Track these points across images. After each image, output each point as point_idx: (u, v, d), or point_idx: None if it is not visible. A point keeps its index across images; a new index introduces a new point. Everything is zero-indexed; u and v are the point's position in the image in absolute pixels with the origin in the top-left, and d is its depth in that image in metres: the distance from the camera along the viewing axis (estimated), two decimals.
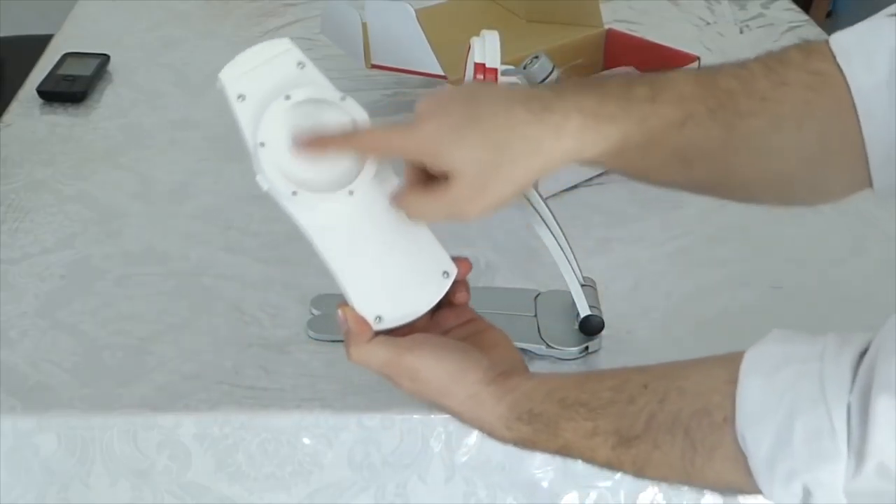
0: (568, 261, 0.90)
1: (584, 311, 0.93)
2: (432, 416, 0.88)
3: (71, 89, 1.38)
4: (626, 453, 0.69)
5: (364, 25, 1.24)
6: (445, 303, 0.77)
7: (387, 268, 0.75)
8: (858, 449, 0.58)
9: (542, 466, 0.89)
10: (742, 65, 0.74)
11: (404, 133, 0.72)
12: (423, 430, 0.88)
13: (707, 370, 0.67)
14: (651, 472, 0.69)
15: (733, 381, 0.64)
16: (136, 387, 0.90)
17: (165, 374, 0.91)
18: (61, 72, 1.42)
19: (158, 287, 1.03)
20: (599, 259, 1.06)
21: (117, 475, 0.87)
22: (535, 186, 0.90)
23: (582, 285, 0.92)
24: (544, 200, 0.90)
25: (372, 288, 0.74)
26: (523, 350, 0.92)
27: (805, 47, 0.74)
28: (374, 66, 1.24)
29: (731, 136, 0.73)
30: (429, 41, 1.19)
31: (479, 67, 0.79)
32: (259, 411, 0.88)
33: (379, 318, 0.74)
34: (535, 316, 0.96)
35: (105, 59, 1.46)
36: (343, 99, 0.72)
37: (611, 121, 0.71)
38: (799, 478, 0.60)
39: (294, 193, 0.71)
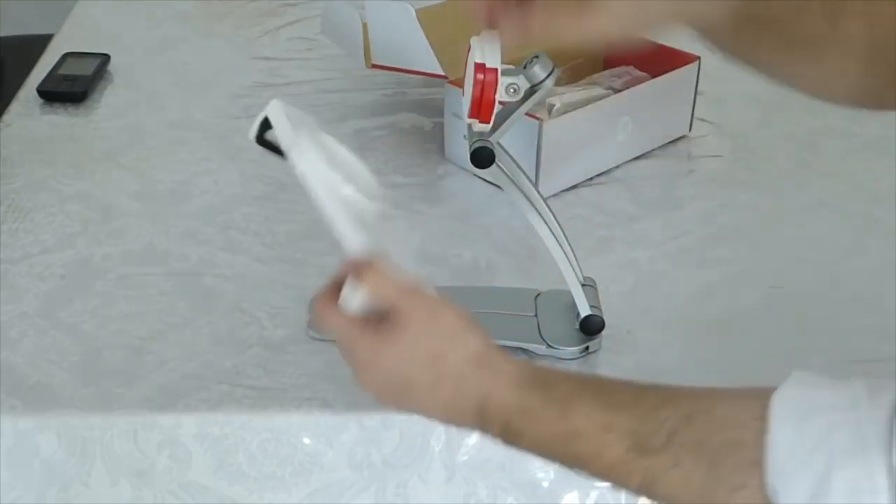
0: (568, 261, 0.90)
1: (584, 310, 0.93)
2: None
3: (71, 89, 1.38)
4: (639, 461, 0.66)
5: (364, 25, 1.24)
6: None
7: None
8: None
9: (542, 466, 0.88)
10: None
11: None
12: (423, 430, 0.88)
13: (736, 400, 0.65)
14: (662, 489, 0.66)
15: (762, 419, 0.62)
16: (136, 387, 0.90)
17: (165, 374, 0.91)
18: (61, 72, 1.42)
19: (158, 287, 1.03)
20: (599, 259, 1.06)
21: (117, 475, 0.87)
22: (536, 186, 0.90)
23: (582, 285, 0.92)
24: (544, 200, 0.90)
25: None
26: (523, 350, 0.92)
27: None
28: (374, 66, 1.24)
29: (831, 34, 0.72)
30: (429, 41, 1.19)
31: (480, 67, 0.79)
32: (259, 411, 0.88)
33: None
34: (536, 316, 0.96)
35: (105, 59, 1.46)
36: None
37: None
38: None
39: None
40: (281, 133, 0.71)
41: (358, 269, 0.71)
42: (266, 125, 0.71)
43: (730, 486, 0.63)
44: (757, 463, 0.61)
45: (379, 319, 0.71)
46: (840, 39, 0.73)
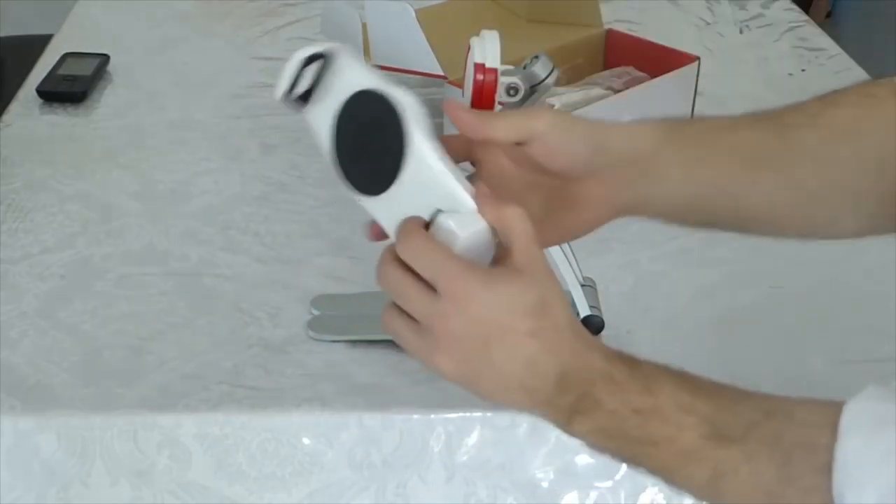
0: (568, 261, 0.90)
1: (584, 311, 0.93)
2: (432, 415, 0.88)
3: (71, 89, 1.38)
4: (714, 451, 0.63)
5: (364, 25, 1.24)
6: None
7: None
8: None
9: (542, 466, 0.89)
10: (795, 102, 0.77)
11: None
12: (423, 430, 0.88)
13: (812, 407, 0.64)
14: (732, 485, 0.64)
15: (837, 426, 0.61)
16: (136, 387, 0.90)
17: (165, 374, 0.91)
18: (61, 72, 1.42)
19: (158, 287, 1.03)
20: (599, 259, 1.06)
21: (117, 475, 0.87)
22: None
23: (582, 285, 0.92)
24: None
25: None
26: None
27: (867, 81, 0.79)
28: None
29: (785, 145, 0.75)
30: (429, 41, 1.19)
31: (479, 67, 0.79)
32: (259, 411, 0.88)
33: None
34: None
35: (105, 59, 1.46)
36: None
37: (657, 121, 0.75)
38: None
39: None
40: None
41: (495, 208, 0.67)
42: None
43: (803, 487, 0.62)
44: (829, 468, 0.60)
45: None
46: (791, 149, 0.75)
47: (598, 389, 0.66)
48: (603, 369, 0.66)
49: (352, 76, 0.68)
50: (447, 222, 0.66)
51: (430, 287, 0.66)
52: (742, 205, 0.77)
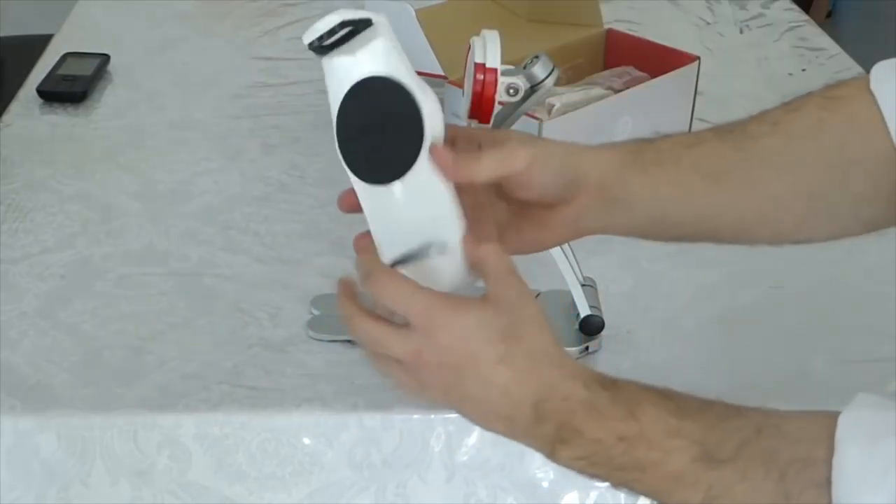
0: (568, 261, 0.90)
1: (584, 311, 0.93)
2: (432, 415, 0.88)
3: (71, 89, 1.38)
4: (706, 473, 0.62)
5: None
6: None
7: None
8: None
9: (542, 466, 0.88)
10: (760, 111, 0.78)
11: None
12: (423, 430, 0.88)
13: (805, 419, 0.64)
14: None
15: (832, 438, 0.60)
16: (136, 387, 0.90)
17: (165, 374, 0.91)
18: (61, 72, 1.42)
19: (158, 287, 1.03)
20: (599, 259, 1.06)
21: (117, 475, 0.87)
22: None
23: (582, 285, 0.92)
24: None
25: None
26: None
27: (830, 84, 0.78)
28: None
29: (746, 155, 0.76)
30: (429, 41, 1.18)
31: (479, 67, 0.79)
32: (259, 411, 0.88)
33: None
34: None
35: (105, 59, 1.46)
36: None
37: (619, 144, 0.77)
38: None
39: None
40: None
41: (472, 246, 0.69)
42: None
43: (802, 503, 0.61)
44: (827, 482, 0.60)
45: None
46: (752, 159, 0.76)
47: (579, 418, 0.65)
48: (583, 397, 0.65)
49: (386, 59, 0.66)
50: (429, 266, 0.68)
51: (400, 326, 0.67)
52: (708, 218, 0.78)
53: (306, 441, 0.88)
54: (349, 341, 0.95)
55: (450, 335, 0.65)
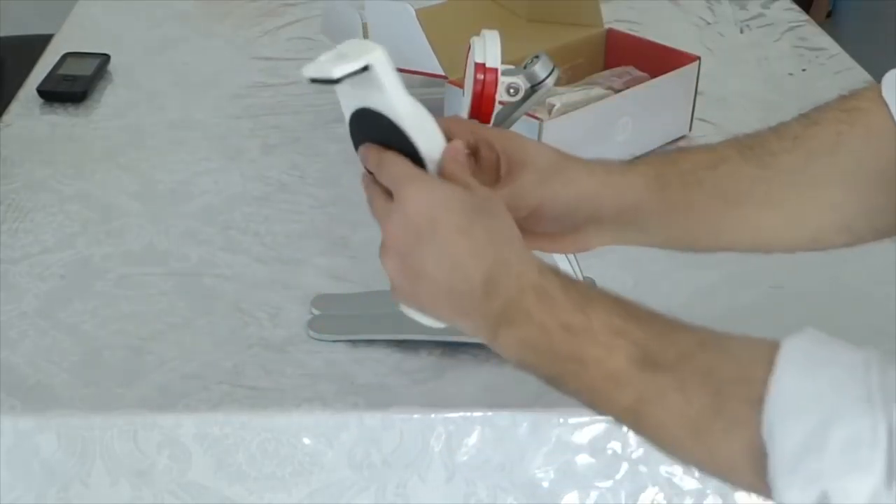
0: (568, 261, 0.90)
1: None
2: (432, 415, 0.88)
3: (71, 89, 1.38)
4: (641, 376, 0.63)
5: (364, 25, 1.24)
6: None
7: None
8: (893, 467, 0.56)
9: (542, 466, 0.89)
10: (779, 123, 0.80)
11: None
12: (423, 430, 0.88)
13: (750, 341, 0.64)
14: (656, 410, 0.64)
15: (773, 362, 0.61)
16: (136, 387, 0.90)
17: (165, 374, 0.91)
18: (61, 72, 1.42)
19: (158, 287, 1.03)
20: (599, 259, 1.05)
21: (117, 475, 0.87)
22: None
23: None
24: None
25: None
26: None
27: (845, 94, 0.80)
28: None
29: (767, 174, 0.77)
30: (429, 41, 1.19)
31: (480, 67, 0.79)
32: (259, 411, 0.88)
33: None
34: None
35: (105, 59, 1.46)
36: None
37: (644, 163, 0.79)
38: (824, 482, 0.58)
39: None
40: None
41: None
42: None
43: (731, 420, 0.62)
44: (760, 400, 0.60)
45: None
46: (773, 178, 0.78)
47: (528, 299, 0.65)
48: (535, 280, 0.66)
49: (380, 94, 0.71)
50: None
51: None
52: (725, 234, 0.80)
53: (306, 441, 0.88)
54: (349, 341, 0.95)
55: (417, 202, 0.67)
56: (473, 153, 0.77)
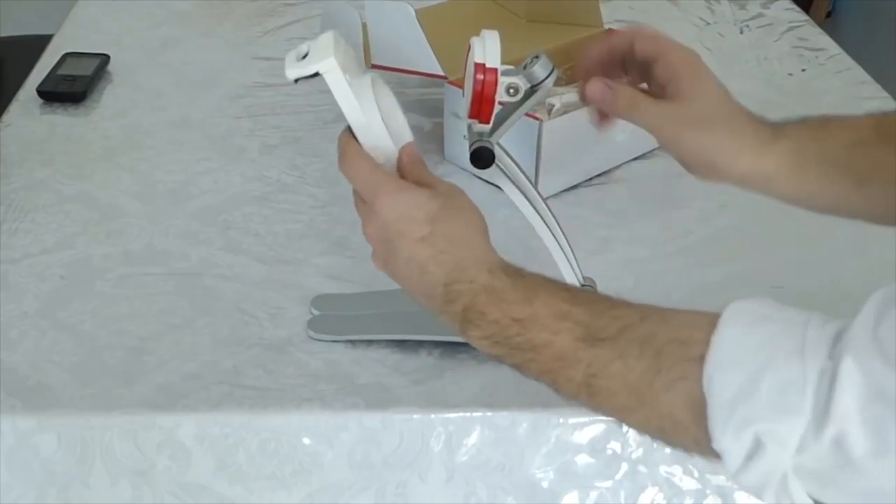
0: (568, 261, 0.90)
1: None
2: (432, 415, 0.88)
3: (71, 89, 1.38)
4: (587, 350, 0.68)
5: (364, 25, 1.24)
6: None
7: None
8: (822, 414, 0.58)
9: (542, 466, 0.89)
10: None
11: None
12: (423, 430, 0.88)
13: (692, 312, 0.68)
14: (602, 381, 0.68)
15: (714, 326, 0.64)
16: (136, 387, 0.90)
17: (165, 374, 0.91)
18: (61, 72, 1.42)
19: (158, 287, 1.03)
20: (599, 259, 1.06)
21: (117, 475, 0.87)
22: (536, 186, 0.90)
23: (582, 285, 0.92)
24: (544, 201, 0.90)
25: None
26: None
27: None
28: (374, 66, 1.24)
29: None
30: (429, 41, 1.18)
31: (479, 67, 0.79)
32: (259, 411, 0.88)
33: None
34: None
35: (105, 59, 1.46)
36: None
37: (790, 137, 0.82)
38: (754, 426, 0.60)
39: None
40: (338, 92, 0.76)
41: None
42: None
43: (671, 377, 0.65)
44: (701, 358, 0.63)
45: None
46: None
47: (481, 301, 0.72)
48: (486, 282, 0.72)
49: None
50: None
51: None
52: (847, 208, 0.83)
53: (306, 441, 0.88)
54: (349, 341, 0.95)
55: (386, 212, 0.74)
56: (649, 65, 0.84)
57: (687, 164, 0.86)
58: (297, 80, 0.75)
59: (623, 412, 0.69)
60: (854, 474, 0.58)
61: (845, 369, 0.58)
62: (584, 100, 0.86)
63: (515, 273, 0.73)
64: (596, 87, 0.84)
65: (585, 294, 0.72)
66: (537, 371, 0.71)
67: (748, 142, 0.82)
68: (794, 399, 0.59)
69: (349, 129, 0.78)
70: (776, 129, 0.83)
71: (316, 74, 0.75)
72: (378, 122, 0.77)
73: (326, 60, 0.74)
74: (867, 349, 0.58)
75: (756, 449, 0.60)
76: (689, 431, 0.64)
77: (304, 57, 0.76)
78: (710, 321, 0.65)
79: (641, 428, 0.70)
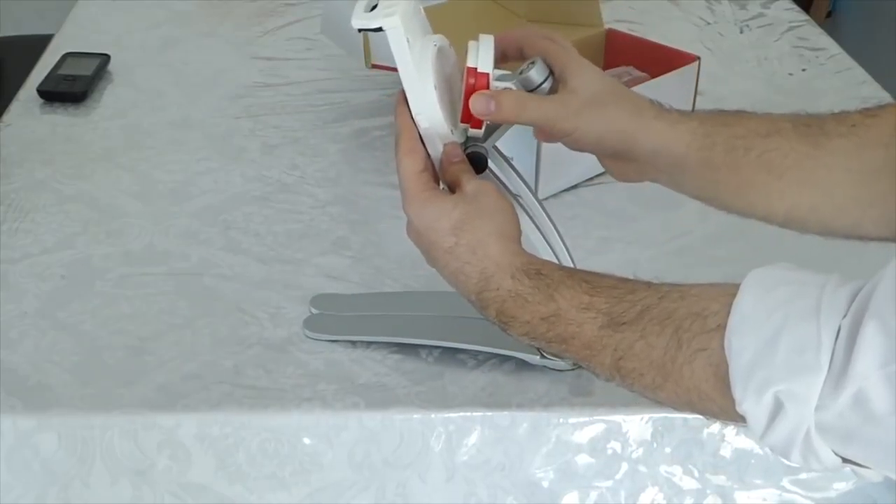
0: (568, 261, 0.90)
1: None
2: (432, 415, 0.88)
3: (71, 89, 1.38)
4: (612, 336, 0.70)
5: None
6: None
7: None
8: (840, 371, 0.58)
9: (542, 466, 0.89)
10: (841, 110, 0.81)
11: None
12: (423, 430, 0.88)
13: (712, 285, 0.69)
14: (629, 362, 0.69)
15: (731, 296, 0.65)
16: (136, 387, 0.90)
17: (165, 374, 0.91)
18: (61, 72, 1.42)
19: (158, 287, 1.03)
20: (599, 259, 1.06)
21: (117, 475, 0.87)
22: (535, 186, 0.90)
23: None
24: (541, 203, 0.89)
25: None
26: (516, 360, 0.92)
27: None
28: (374, 66, 1.24)
29: (817, 153, 0.78)
30: None
31: (471, 72, 0.79)
32: (259, 411, 0.88)
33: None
34: None
35: (105, 59, 1.46)
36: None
37: (697, 119, 0.81)
38: (774, 387, 0.61)
39: None
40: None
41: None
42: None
43: (692, 349, 0.66)
44: (721, 327, 0.64)
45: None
46: (823, 159, 0.79)
47: (509, 306, 0.75)
48: (510, 288, 0.75)
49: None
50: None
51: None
52: (760, 204, 0.82)
53: (306, 441, 0.88)
54: (349, 341, 0.95)
55: (417, 221, 0.77)
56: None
57: (600, 158, 0.85)
58: (360, 31, 0.76)
59: (652, 390, 0.70)
60: (876, 430, 0.58)
61: (868, 331, 0.58)
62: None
63: (536, 274, 0.74)
64: (478, 102, 0.79)
65: (605, 280, 0.74)
66: (572, 356, 0.73)
67: (647, 122, 0.81)
68: (810, 357, 0.60)
69: (404, 96, 0.78)
70: (684, 114, 0.83)
71: (379, 29, 0.74)
72: (430, 89, 0.77)
73: (391, 18, 0.74)
74: (890, 311, 0.59)
75: (777, 410, 0.61)
76: (714, 400, 0.65)
77: (374, 9, 0.75)
78: (725, 291, 0.66)
79: (671, 403, 0.70)
